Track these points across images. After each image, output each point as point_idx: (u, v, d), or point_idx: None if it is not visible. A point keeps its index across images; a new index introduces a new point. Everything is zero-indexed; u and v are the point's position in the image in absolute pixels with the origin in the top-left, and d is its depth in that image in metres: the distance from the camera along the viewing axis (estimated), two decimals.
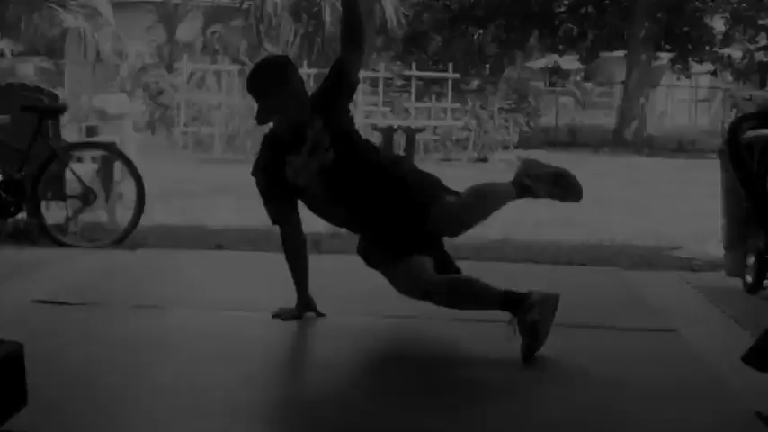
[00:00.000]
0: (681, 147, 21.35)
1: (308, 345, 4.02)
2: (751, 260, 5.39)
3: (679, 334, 4.34)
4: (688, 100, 30.40)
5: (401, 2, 22.46)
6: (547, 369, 3.79)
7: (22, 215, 6.43)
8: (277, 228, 4.44)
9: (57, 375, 3.42)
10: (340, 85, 4.23)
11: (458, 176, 12.98)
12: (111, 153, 7.06)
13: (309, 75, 18.44)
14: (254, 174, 4.31)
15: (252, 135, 16.63)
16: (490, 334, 4.13)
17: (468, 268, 5.77)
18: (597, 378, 3.68)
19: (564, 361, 3.92)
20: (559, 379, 3.68)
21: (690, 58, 22.83)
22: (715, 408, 3.37)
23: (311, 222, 4.71)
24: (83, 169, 6.92)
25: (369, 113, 17.40)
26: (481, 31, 25.45)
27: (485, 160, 16.91)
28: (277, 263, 6.01)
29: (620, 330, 4.40)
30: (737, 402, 3.40)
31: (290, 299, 4.77)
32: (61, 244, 6.33)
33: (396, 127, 10.68)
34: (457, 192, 4.09)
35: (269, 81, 4.20)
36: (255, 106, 4.21)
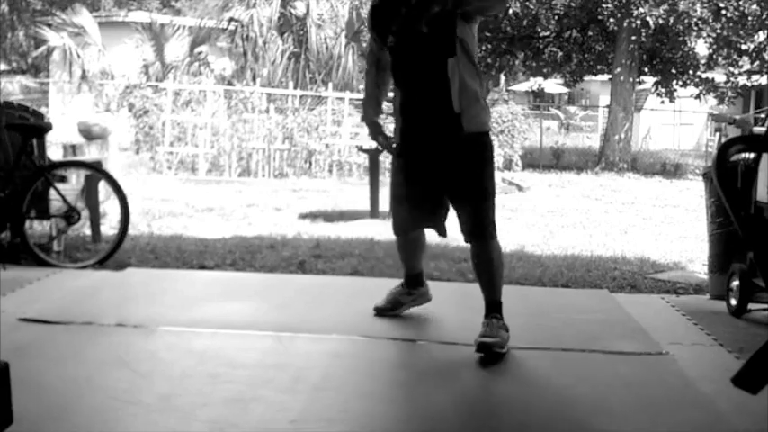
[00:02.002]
0: (664, 170, 21.46)
1: (296, 364, 4.01)
2: (735, 283, 5.41)
3: (666, 356, 4.35)
4: (671, 123, 30.57)
5: None
6: (536, 392, 3.79)
7: (5, 234, 6.40)
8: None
9: (42, 394, 3.39)
10: None
11: None
12: (96, 172, 7.03)
13: (296, 96, 18.49)
14: None
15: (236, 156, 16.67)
16: (469, 355, 4.14)
17: (455, 290, 5.83)
18: (585, 400, 3.68)
19: (552, 383, 3.92)
20: (548, 401, 3.68)
21: (673, 82, 22.96)
22: (702, 430, 3.38)
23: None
24: (67, 188, 6.89)
25: (354, 135, 17.44)
26: None
27: None
28: (261, 283, 6.02)
29: (607, 353, 4.40)
30: (725, 424, 3.40)
31: (275, 317, 4.77)
32: (45, 263, 6.29)
33: (381, 148, 10.65)
34: None
35: None
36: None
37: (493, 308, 4.34)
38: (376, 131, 4.74)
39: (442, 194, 4.43)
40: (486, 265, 4.42)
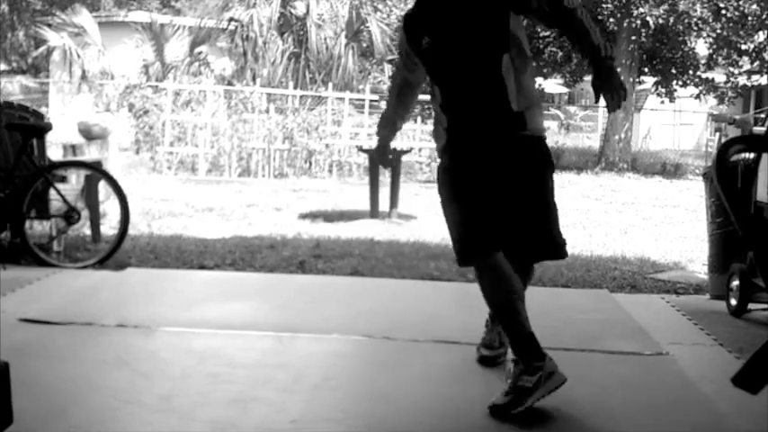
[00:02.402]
0: (664, 170, 21.45)
1: (296, 364, 4.01)
2: (735, 283, 5.41)
3: (666, 356, 4.35)
4: (671, 123, 30.57)
5: (387, 25, 22.54)
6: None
7: (5, 234, 6.40)
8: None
9: (42, 394, 3.39)
10: None
11: None
12: (96, 172, 7.03)
13: (296, 96, 18.48)
14: None
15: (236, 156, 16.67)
16: (471, 356, 4.13)
17: (455, 290, 5.82)
18: (585, 400, 3.68)
19: None
20: (548, 401, 3.67)
21: (673, 82, 22.96)
22: (702, 430, 3.38)
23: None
24: (67, 188, 6.90)
25: (354, 135, 17.44)
26: None
27: None
28: (261, 283, 6.02)
29: (607, 353, 4.40)
30: (725, 424, 3.40)
31: (275, 317, 4.77)
32: (45, 263, 6.30)
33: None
34: None
35: None
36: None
37: None
38: (382, 152, 4.32)
39: (505, 206, 3.72)
40: (527, 283, 3.90)
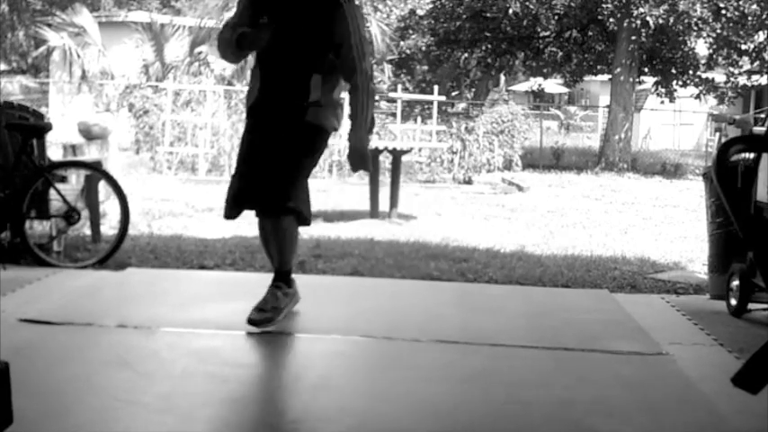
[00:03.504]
0: (664, 170, 21.45)
1: (295, 365, 4.01)
2: (735, 283, 5.41)
3: (666, 356, 4.35)
4: (671, 123, 30.57)
5: (387, 25, 22.53)
6: (536, 392, 3.79)
7: (5, 234, 6.39)
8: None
9: (42, 395, 3.39)
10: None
11: (443, 197, 13.02)
12: (96, 172, 7.02)
13: None
14: None
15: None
16: (469, 355, 4.13)
17: (455, 290, 5.82)
18: (585, 400, 3.68)
19: (552, 383, 3.92)
20: (548, 401, 3.68)
21: (673, 82, 22.98)
22: (703, 430, 3.38)
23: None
24: (67, 188, 6.89)
25: None
26: (466, 55, 25.59)
27: (469, 182, 16.95)
28: (261, 283, 6.02)
29: (607, 353, 4.39)
30: (725, 424, 3.40)
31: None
32: (45, 263, 6.29)
33: (381, 148, 10.74)
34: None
35: None
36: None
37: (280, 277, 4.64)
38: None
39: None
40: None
